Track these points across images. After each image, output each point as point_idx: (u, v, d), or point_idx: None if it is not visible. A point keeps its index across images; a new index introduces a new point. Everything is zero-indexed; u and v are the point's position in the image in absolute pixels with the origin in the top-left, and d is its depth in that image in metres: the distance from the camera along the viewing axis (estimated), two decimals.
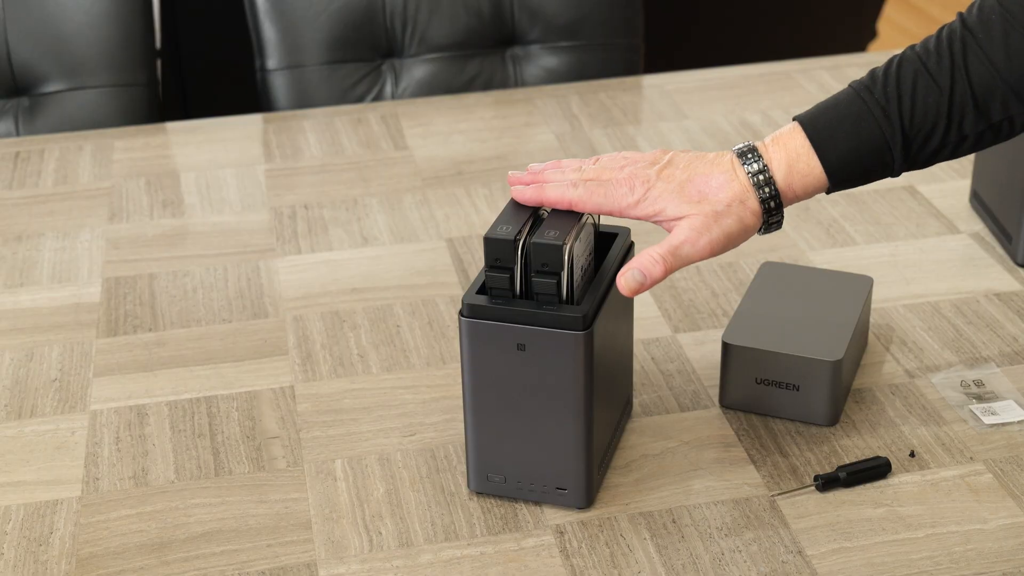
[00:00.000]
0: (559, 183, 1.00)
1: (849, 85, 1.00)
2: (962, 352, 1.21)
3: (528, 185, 1.01)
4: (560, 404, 0.97)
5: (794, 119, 1.00)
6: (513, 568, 0.97)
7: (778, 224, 0.99)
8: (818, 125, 0.98)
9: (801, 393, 1.09)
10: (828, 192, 1.00)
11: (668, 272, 0.96)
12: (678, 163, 1.00)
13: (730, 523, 1.01)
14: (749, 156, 0.99)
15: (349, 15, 1.86)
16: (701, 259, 0.97)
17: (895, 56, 1.00)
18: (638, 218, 0.99)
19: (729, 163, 0.99)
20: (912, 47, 0.99)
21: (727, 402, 1.13)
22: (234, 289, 1.34)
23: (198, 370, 1.21)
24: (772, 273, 1.20)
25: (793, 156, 0.98)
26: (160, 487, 1.07)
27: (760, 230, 0.99)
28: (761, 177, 0.98)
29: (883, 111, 0.97)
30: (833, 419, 1.10)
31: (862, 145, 0.97)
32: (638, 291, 0.96)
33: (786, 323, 1.13)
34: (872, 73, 0.99)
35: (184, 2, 2.49)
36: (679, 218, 0.97)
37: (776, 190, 0.98)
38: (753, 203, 0.98)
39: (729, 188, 0.97)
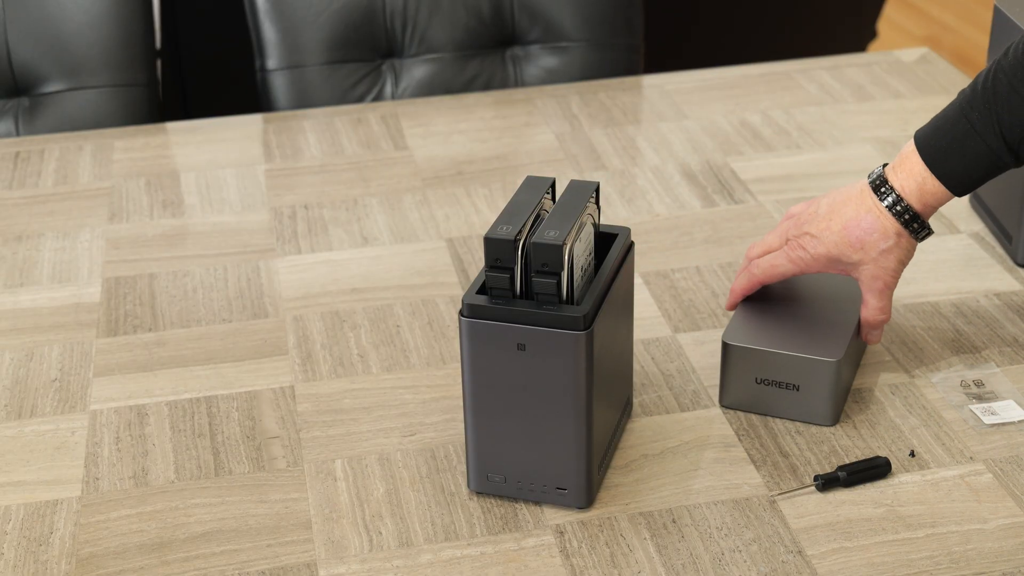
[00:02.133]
0: (742, 273, 1.17)
1: (958, 96, 1.10)
2: (962, 352, 1.21)
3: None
4: (560, 404, 0.97)
5: (914, 137, 1.11)
6: (513, 568, 0.97)
7: (929, 232, 1.11)
8: (931, 149, 1.09)
9: (801, 393, 1.09)
10: (959, 195, 1.11)
11: (889, 312, 1.14)
12: (824, 213, 1.12)
13: (730, 523, 1.01)
14: (883, 190, 1.10)
15: (349, 15, 1.86)
16: (896, 284, 1.13)
17: (991, 66, 1.08)
18: (818, 272, 1.14)
19: (870, 201, 1.11)
20: (1004, 56, 1.07)
21: (727, 402, 1.13)
22: (234, 289, 1.34)
23: (198, 370, 1.21)
24: None
25: (920, 181, 1.09)
26: (160, 487, 1.07)
27: (918, 241, 1.12)
28: (899, 207, 1.10)
29: (984, 127, 1.07)
30: (834, 419, 1.10)
31: (972, 161, 1.08)
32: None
33: (786, 323, 1.13)
34: (972, 85, 1.09)
35: (184, 2, 2.49)
36: (855, 266, 1.12)
37: (914, 213, 1.10)
38: (901, 230, 1.10)
39: (879, 226, 1.10)
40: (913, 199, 1.10)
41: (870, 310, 1.13)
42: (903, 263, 1.12)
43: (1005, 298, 1.29)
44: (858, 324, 1.14)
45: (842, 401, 1.12)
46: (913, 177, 1.10)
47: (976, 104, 1.07)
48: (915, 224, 1.10)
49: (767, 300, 1.17)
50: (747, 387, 1.12)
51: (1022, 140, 1.06)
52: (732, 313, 1.19)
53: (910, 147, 1.11)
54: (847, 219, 1.11)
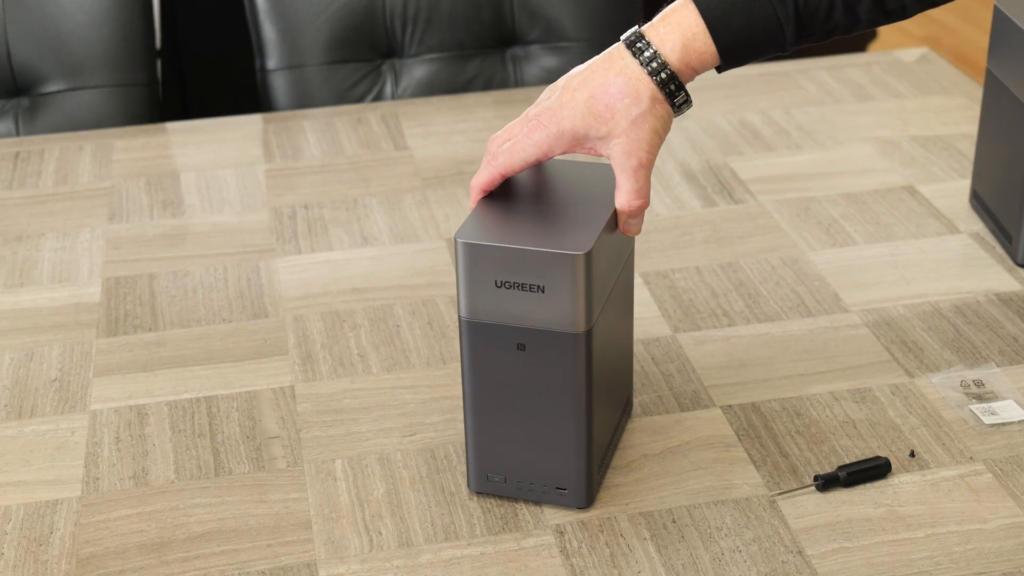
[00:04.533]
0: (483, 166, 1.01)
1: None
2: (962, 352, 1.21)
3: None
4: (560, 404, 0.97)
5: None
6: (513, 568, 0.97)
7: (687, 103, 0.98)
8: (711, 4, 0.97)
9: (547, 295, 0.95)
10: (719, 71, 1.00)
11: (648, 196, 0.99)
12: (573, 83, 0.99)
13: (730, 523, 1.01)
14: (639, 46, 0.97)
15: (349, 15, 1.86)
16: (653, 163, 0.99)
17: None
18: (565, 152, 0.99)
19: (620, 62, 0.98)
20: None
21: (467, 313, 0.97)
22: (234, 289, 1.34)
23: (198, 370, 1.21)
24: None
25: (688, 36, 0.97)
26: (160, 487, 1.07)
27: (674, 113, 0.99)
28: (655, 64, 0.96)
29: None
30: (585, 324, 0.96)
31: (755, 24, 0.97)
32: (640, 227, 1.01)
33: (530, 218, 0.99)
34: None
35: (184, 2, 2.49)
36: (605, 141, 0.97)
37: (672, 72, 0.97)
38: (656, 93, 0.97)
39: (630, 90, 0.97)
40: (673, 56, 0.96)
41: (624, 194, 0.98)
42: (659, 135, 0.98)
43: (1005, 298, 1.29)
44: (613, 216, 0.99)
45: (595, 304, 0.97)
46: (680, 32, 0.97)
47: None
48: (672, 86, 0.97)
49: (511, 195, 1.02)
50: (488, 293, 0.96)
51: (814, 15, 0.97)
52: (732, 313, 1.19)
53: (682, 2, 0.98)
54: (594, 87, 0.97)
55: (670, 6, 0.99)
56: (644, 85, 0.97)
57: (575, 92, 0.98)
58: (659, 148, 0.98)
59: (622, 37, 0.99)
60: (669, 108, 0.98)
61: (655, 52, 0.97)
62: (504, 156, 0.99)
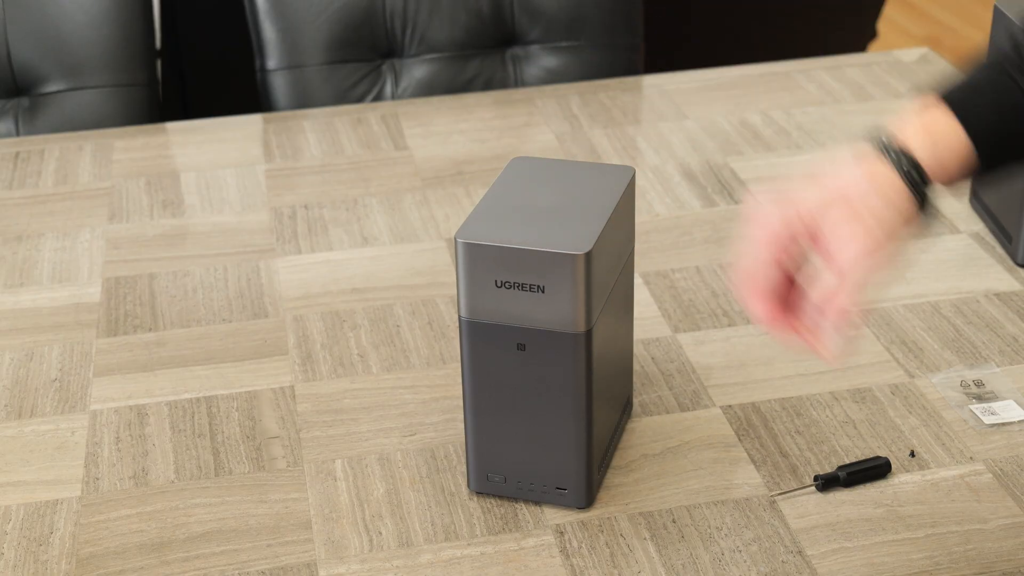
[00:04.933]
0: (837, 292, 0.84)
1: (983, 58, 0.89)
2: (962, 352, 1.21)
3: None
4: (560, 404, 0.97)
5: (921, 94, 0.88)
6: (513, 568, 0.97)
7: (933, 212, 0.86)
8: (954, 97, 0.87)
9: (547, 295, 0.95)
10: (980, 173, 0.87)
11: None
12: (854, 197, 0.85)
13: (730, 523, 1.01)
14: (885, 145, 0.86)
15: (349, 15, 1.86)
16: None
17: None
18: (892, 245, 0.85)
19: (872, 163, 0.86)
20: None
21: (468, 313, 0.97)
22: (234, 289, 1.34)
23: (198, 370, 1.21)
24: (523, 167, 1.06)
25: (935, 131, 0.86)
26: (160, 487, 1.07)
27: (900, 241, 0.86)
28: (904, 161, 0.84)
29: None
30: (586, 324, 0.95)
31: (1008, 113, 0.86)
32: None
33: (532, 218, 0.97)
34: (1014, 44, 0.88)
35: (184, 2, 2.49)
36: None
37: (922, 175, 0.84)
38: (906, 196, 0.84)
39: (886, 197, 0.84)
40: (924, 154, 0.85)
41: (841, 310, 0.83)
42: (900, 247, 0.86)
43: (1005, 298, 1.29)
44: (613, 216, 0.98)
45: (595, 304, 0.96)
46: (926, 128, 0.86)
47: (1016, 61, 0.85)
48: (920, 188, 0.85)
49: (511, 195, 1.01)
50: (488, 293, 0.95)
51: None
52: (733, 313, 1.18)
53: (916, 102, 0.88)
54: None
55: (906, 108, 0.87)
56: (898, 191, 0.84)
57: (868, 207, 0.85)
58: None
59: (868, 140, 0.87)
60: (915, 211, 0.85)
61: (902, 151, 0.85)
62: (856, 270, 0.83)
